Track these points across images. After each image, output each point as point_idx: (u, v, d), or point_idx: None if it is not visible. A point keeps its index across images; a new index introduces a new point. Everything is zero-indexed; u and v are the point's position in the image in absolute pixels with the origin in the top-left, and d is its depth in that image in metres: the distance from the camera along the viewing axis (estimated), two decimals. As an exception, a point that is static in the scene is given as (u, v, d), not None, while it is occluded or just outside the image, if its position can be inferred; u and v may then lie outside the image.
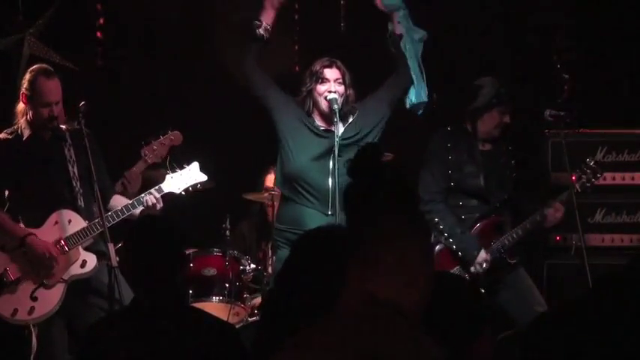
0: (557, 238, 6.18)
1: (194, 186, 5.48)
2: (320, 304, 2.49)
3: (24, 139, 5.23)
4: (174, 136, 5.64)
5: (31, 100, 5.19)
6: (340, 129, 5.26)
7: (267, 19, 5.33)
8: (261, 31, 5.31)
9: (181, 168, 5.47)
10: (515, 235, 5.45)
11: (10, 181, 5.22)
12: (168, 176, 5.43)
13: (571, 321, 2.63)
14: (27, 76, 5.25)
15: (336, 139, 5.12)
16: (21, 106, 5.26)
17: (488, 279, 5.39)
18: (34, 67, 5.37)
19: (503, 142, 5.62)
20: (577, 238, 5.59)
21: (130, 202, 5.27)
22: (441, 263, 5.43)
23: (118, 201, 5.36)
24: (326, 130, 5.27)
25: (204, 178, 5.50)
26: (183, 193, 5.46)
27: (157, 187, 5.36)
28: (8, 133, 5.27)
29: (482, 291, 5.30)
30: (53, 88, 5.19)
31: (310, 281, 2.66)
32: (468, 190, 5.50)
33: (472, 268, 5.38)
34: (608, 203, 6.29)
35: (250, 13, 5.40)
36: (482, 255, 5.38)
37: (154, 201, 5.30)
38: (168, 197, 5.40)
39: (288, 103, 5.33)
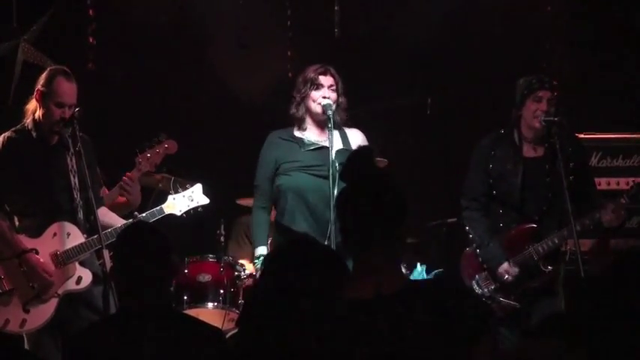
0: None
1: (195, 209, 5.38)
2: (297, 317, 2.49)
3: (31, 139, 5.13)
4: (168, 145, 5.50)
5: (44, 98, 5.08)
6: (334, 143, 5.18)
7: None
8: None
9: (184, 189, 5.35)
10: (550, 243, 5.25)
11: (12, 181, 5.10)
12: (170, 197, 5.31)
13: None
14: (45, 73, 5.13)
15: (332, 159, 5.03)
16: (32, 104, 5.15)
17: (520, 286, 5.28)
18: (54, 66, 5.31)
19: (560, 145, 5.22)
20: (572, 244, 5.56)
21: (130, 221, 5.12)
22: (471, 265, 5.44)
23: (109, 216, 5.23)
24: (320, 148, 5.24)
25: (206, 201, 5.37)
26: (184, 215, 5.34)
27: (157, 208, 5.27)
28: (15, 132, 5.16)
29: (502, 300, 5.29)
30: (70, 90, 5.09)
31: (284, 295, 2.60)
32: (506, 201, 5.36)
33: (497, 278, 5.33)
34: (603, 208, 6.28)
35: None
36: (504, 266, 5.27)
37: None
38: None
39: (276, 155, 5.29)
